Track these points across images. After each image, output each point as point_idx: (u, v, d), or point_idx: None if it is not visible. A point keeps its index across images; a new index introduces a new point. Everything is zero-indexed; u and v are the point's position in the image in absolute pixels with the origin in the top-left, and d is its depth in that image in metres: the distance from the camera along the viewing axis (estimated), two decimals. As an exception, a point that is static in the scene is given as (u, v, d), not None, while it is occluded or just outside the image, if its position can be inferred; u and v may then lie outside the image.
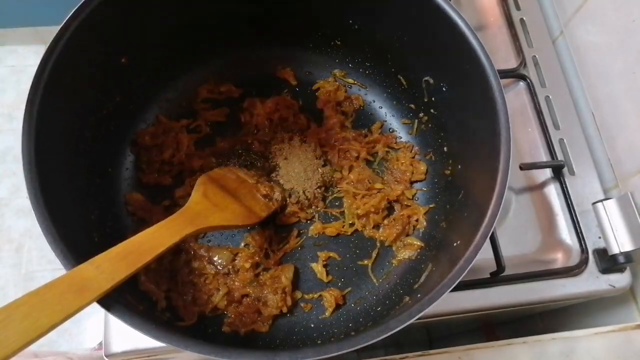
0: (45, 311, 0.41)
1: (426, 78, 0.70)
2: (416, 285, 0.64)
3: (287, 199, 0.72)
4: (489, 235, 0.51)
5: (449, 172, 0.70)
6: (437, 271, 0.61)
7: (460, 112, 0.67)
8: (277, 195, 0.70)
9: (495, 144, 0.55)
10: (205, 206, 0.60)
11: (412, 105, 0.76)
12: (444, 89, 0.68)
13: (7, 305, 0.40)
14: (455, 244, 0.59)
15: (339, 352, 0.46)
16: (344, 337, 0.61)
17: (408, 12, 0.65)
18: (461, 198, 0.65)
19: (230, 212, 0.62)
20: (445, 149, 0.72)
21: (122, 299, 0.52)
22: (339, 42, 0.78)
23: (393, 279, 0.69)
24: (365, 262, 0.70)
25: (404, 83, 0.76)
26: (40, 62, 0.54)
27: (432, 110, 0.73)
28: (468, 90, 0.62)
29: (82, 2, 0.56)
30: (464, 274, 0.49)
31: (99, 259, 0.47)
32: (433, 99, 0.72)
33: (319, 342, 0.63)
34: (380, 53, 0.76)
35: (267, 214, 0.67)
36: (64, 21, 0.55)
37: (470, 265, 0.50)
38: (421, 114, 0.75)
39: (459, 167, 0.68)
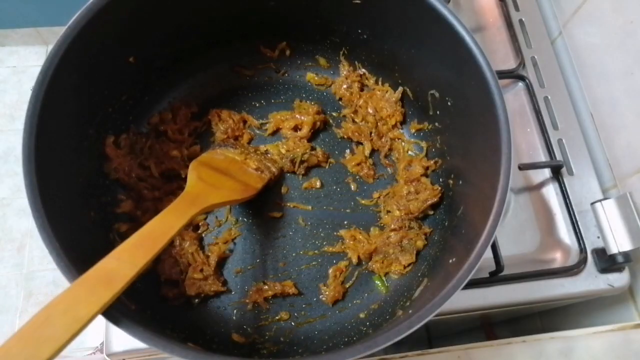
0: (81, 305, 0.44)
1: (432, 92, 0.70)
2: (409, 302, 0.64)
3: (283, 168, 0.75)
4: (482, 255, 0.51)
5: (450, 184, 0.70)
6: (432, 287, 0.61)
7: (463, 127, 0.66)
8: (270, 166, 0.73)
9: (496, 163, 0.55)
10: (202, 188, 0.63)
11: (417, 118, 0.76)
12: (449, 103, 0.67)
13: (45, 306, 0.43)
14: (450, 261, 0.58)
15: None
16: (333, 348, 0.61)
17: (414, 24, 0.65)
18: (460, 214, 0.64)
19: (227, 189, 0.66)
20: (447, 161, 0.71)
21: (116, 300, 0.52)
22: (347, 51, 0.78)
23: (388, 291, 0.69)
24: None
25: (410, 95, 0.76)
26: (45, 63, 0.54)
27: (436, 124, 0.73)
28: (471, 106, 0.62)
29: (87, 3, 0.56)
30: (456, 292, 0.49)
31: (118, 251, 0.50)
32: (438, 112, 0.71)
33: (304, 354, 0.64)
34: (387, 64, 0.75)
35: (263, 185, 0.71)
36: (70, 22, 0.55)
37: (464, 284, 0.49)
38: (425, 124, 0.75)
39: (460, 182, 0.67)
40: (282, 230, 0.72)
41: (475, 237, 0.52)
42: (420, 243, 0.69)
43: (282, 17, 0.73)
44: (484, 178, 0.57)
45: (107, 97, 0.66)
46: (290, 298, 0.68)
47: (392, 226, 0.70)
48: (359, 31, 0.73)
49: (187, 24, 0.69)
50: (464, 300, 0.70)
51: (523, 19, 0.90)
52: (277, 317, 0.67)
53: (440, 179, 0.73)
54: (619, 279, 0.73)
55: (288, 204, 0.74)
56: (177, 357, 0.46)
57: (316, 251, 0.71)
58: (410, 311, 0.54)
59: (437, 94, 0.69)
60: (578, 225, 0.74)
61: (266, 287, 0.68)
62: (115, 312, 0.47)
